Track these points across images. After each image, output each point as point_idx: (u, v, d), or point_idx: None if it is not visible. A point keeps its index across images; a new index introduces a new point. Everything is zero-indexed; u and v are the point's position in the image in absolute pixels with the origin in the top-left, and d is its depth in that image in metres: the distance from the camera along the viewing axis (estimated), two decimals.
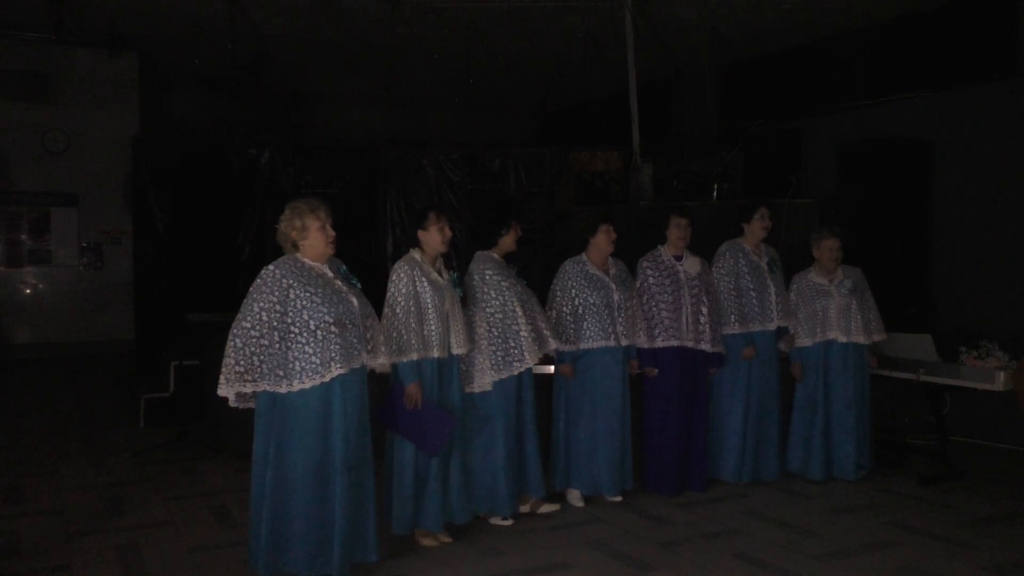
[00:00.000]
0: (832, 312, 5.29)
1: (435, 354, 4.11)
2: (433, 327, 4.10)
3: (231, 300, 8.68)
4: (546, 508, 4.74)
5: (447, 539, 4.28)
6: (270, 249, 9.41)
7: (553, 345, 4.61)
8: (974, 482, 5.38)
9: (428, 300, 4.11)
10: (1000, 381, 5.04)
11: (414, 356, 4.03)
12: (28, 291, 10.97)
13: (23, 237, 10.91)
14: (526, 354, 4.44)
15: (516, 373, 4.45)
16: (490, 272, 4.52)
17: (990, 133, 7.96)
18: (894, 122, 8.75)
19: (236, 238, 9.75)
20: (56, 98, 10.94)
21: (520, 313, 4.46)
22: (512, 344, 4.44)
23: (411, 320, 4.04)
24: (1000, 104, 7.93)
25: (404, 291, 4.08)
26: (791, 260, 5.58)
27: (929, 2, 8.52)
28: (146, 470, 5.65)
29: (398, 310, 4.06)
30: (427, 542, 4.22)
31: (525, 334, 4.45)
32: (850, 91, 9.55)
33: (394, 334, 4.02)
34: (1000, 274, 7.77)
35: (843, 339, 5.30)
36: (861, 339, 5.31)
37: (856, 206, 7.56)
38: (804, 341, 5.36)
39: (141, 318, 9.45)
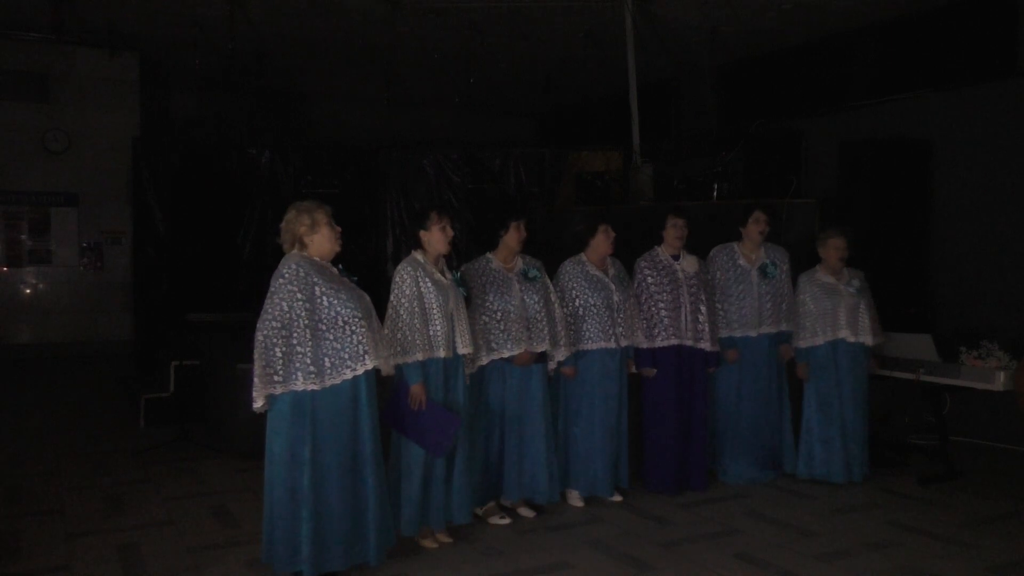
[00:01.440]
0: (842, 311, 5.29)
1: (440, 354, 4.12)
2: (438, 327, 4.11)
3: (231, 300, 8.72)
4: (505, 515, 4.66)
5: (447, 539, 4.27)
6: (270, 249, 9.43)
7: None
8: (974, 482, 5.38)
9: (432, 300, 4.11)
10: (1000, 381, 5.03)
11: (419, 357, 4.03)
12: (28, 291, 10.97)
13: (23, 237, 10.91)
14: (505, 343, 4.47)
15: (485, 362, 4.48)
16: (482, 273, 4.56)
17: (990, 133, 7.96)
18: (894, 122, 8.75)
19: (236, 238, 9.76)
20: (56, 98, 10.94)
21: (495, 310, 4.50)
22: (501, 331, 4.48)
23: (415, 321, 4.04)
24: (1000, 104, 7.93)
25: (408, 292, 4.08)
26: (791, 260, 5.57)
27: (929, 2, 8.53)
28: (146, 470, 5.65)
29: (402, 311, 4.05)
30: (427, 543, 4.22)
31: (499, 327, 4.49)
32: (850, 91, 9.55)
33: (398, 335, 4.02)
34: (1000, 274, 7.77)
35: (852, 338, 5.29)
36: (868, 340, 5.30)
37: (856, 206, 7.56)
38: (816, 340, 5.33)
39: (141, 318, 9.46)
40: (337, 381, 3.59)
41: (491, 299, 4.50)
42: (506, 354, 4.48)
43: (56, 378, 9.43)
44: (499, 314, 4.48)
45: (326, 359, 3.57)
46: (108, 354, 10.49)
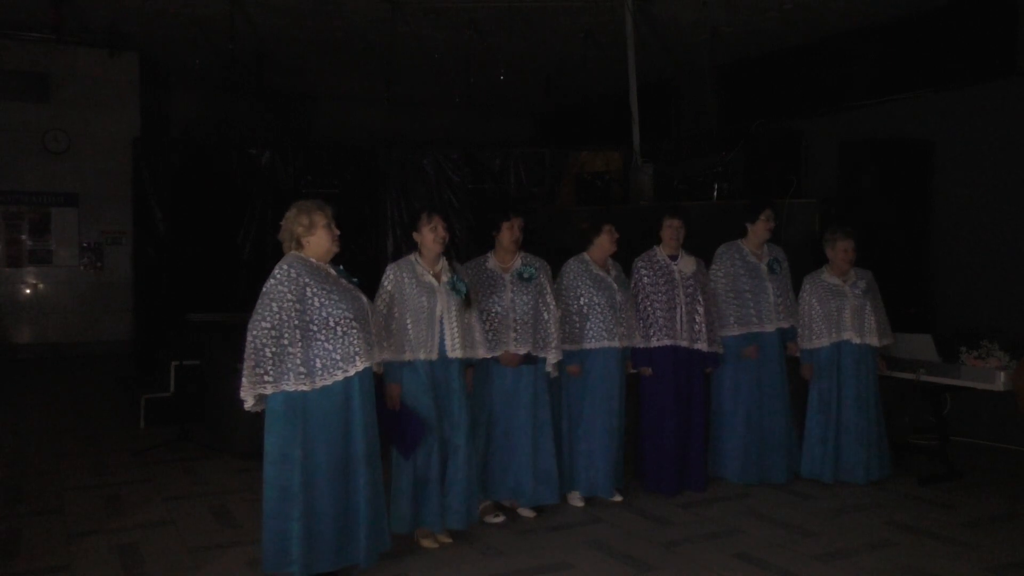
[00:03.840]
0: (847, 313, 5.26)
1: (421, 356, 4.11)
2: (422, 328, 4.11)
3: (231, 300, 8.72)
4: (492, 517, 4.62)
5: (447, 539, 4.27)
6: (270, 249, 9.43)
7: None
8: (974, 482, 5.37)
9: (415, 302, 4.12)
10: (1000, 381, 5.02)
11: (387, 356, 4.04)
12: (28, 291, 10.97)
13: (23, 237, 10.92)
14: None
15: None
16: (476, 273, 4.57)
17: (991, 133, 7.96)
18: (895, 122, 8.75)
19: (236, 238, 9.76)
20: (56, 98, 10.94)
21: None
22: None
23: (391, 324, 4.08)
24: (1001, 104, 7.93)
25: (383, 293, 4.14)
26: (791, 260, 5.56)
27: (929, 2, 8.53)
28: (146, 470, 5.65)
29: (376, 313, 4.05)
30: (427, 543, 4.22)
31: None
32: (851, 91, 9.56)
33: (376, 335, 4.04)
34: (1000, 274, 7.77)
35: (856, 340, 5.25)
36: (874, 341, 5.27)
37: (857, 206, 7.55)
38: (821, 341, 5.29)
39: (141, 318, 9.46)
40: (328, 382, 3.59)
41: (482, 299, 4.52)
42: (488, 354, 4.45)
43: (56, 378, 9.44)
44: (485, 314, 4.50)
45: (317, 360, 3.58)
46: (108, 354, 10.50)
